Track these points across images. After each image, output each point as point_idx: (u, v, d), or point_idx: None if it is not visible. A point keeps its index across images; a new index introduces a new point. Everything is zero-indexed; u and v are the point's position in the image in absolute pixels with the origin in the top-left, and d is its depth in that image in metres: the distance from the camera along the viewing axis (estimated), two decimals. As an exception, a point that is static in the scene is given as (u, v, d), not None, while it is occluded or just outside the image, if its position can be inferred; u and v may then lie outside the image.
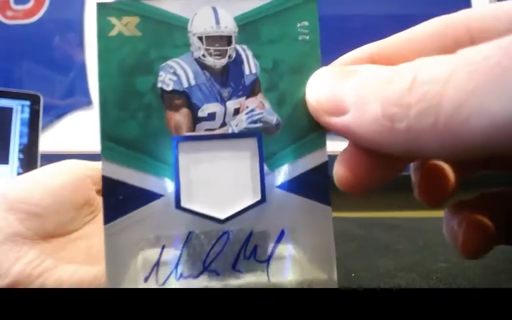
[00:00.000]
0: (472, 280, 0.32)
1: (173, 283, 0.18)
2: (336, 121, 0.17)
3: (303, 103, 0.18)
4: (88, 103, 1.02)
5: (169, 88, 0.18)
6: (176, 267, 0.18)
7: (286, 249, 0.18)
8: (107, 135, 0.18)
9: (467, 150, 0.14)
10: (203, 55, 0.19)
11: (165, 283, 0.18)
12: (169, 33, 0.19)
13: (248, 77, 0.19)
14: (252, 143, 0.19)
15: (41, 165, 0.30)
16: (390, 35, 0.19)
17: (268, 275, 0.18)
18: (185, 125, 0.18)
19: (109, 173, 0.18)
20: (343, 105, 0.16)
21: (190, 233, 0.18)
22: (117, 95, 0.18)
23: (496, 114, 0.12)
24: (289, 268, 0.18)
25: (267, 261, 0.18)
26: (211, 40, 0.19)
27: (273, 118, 0.19)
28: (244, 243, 0.18)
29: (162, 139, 0.18)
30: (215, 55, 0.19)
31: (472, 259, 0.21)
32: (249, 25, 0.19)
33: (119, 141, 0.18)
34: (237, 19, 0.19)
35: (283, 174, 0.18)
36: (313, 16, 0.19)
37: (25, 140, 0.57)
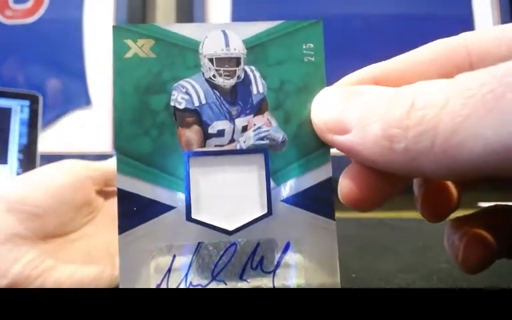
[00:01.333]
0: (472, 281, 0.31)
1: None
2: (339, 139, 0.17)
3: (308, 122, 0.19)
4: (87, 103, 1.01)
5: (181, 106, 0.19)
6: (186, 275, 0.19)
7: (291, 260, 0.19)
8: (122, 150, 0.19)
9: (463, 172, 0.14)
10: (213, 76, 0.19)
11: None
12: (181, 54, 0.19)
13: (256, 96, 0.20)
14: (259, 158, 0.19)
15: (40, 166, 0.30)
16: (391, 34, 0.20)
17: (274, 285, 0.19)
18: (196, 141, 0.19)
19: (124, 186, 0.19)
20: (346, 124, 0.17)
21: (199, 243, 0.19)
22: (132, 113, 0.19)
23: (489, 139, 0.13)
24: (294, 278, 0.19)
25: (273, 271, 0.19)
26: (220, 61, 0.19)
27: (280, 135, 0.19)
28: (251, 254, 0.19)
29: (174, 154, 0.19)
30: (225, 76, 0.19)
31: (472, 273, 0.21)
32: (257, 47, 0.20)
33: (133, 155, 0.19)
34: (245, 42, 0.20)
35: (288, 188, 0.19)
36: (318, 38, 0.20)
37: (24, 140, 0.57)
